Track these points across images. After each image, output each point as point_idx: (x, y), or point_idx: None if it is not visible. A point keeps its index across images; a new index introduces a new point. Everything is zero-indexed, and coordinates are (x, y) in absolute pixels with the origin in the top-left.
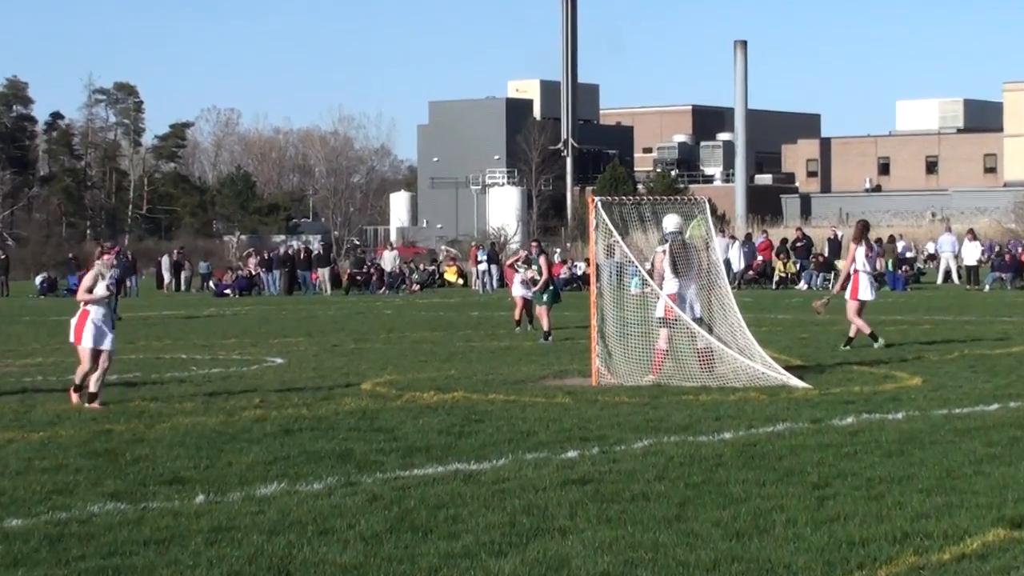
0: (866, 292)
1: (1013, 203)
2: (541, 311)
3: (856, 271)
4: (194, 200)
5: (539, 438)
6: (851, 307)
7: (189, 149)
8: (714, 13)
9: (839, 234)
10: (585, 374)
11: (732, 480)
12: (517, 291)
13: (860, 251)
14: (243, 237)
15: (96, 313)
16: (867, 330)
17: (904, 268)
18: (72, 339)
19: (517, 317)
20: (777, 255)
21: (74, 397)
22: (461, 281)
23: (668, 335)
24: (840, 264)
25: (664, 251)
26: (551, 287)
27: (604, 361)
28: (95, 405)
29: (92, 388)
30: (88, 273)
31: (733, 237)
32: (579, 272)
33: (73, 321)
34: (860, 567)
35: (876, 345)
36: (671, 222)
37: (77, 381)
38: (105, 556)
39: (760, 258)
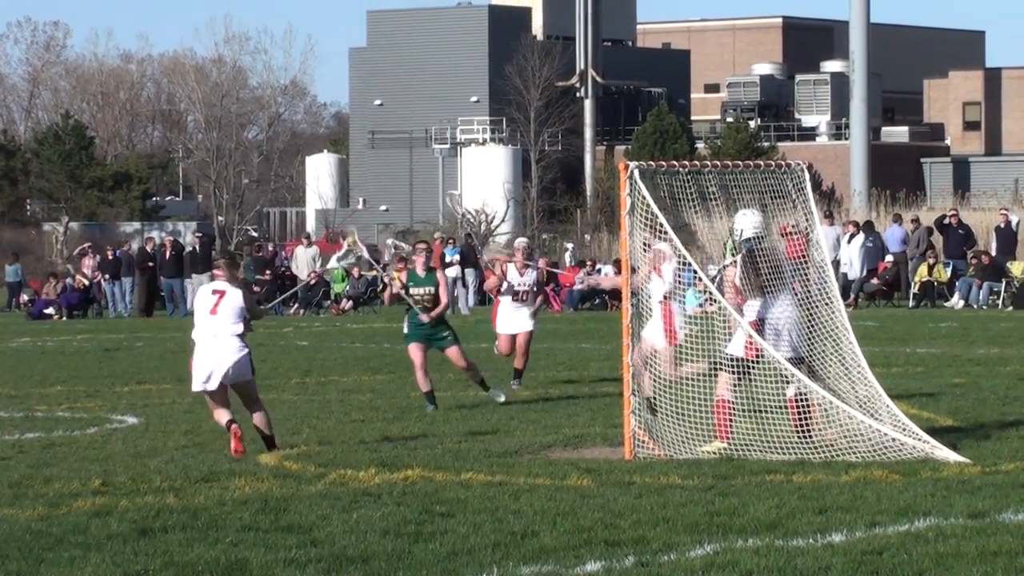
0: None
1: None
2: (454, 354)
3: None
4: None
5: (541, 542)
6: None
7: None
8: None
9: (1015, 220)
10: (613, 442)
11: None
12: (508, 323)
13: None
14: (74, 226)
15: None
16: None
17: None
18: None
19: (519, 365)
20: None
21: None
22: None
23: (733, 381)
24: (1018, 268)
25: (734, 263)
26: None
27: (643, 421)
28: None
29: None
30: None
31: (856, 226)
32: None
33: None
34: None
35: None
36: (748, 223)
37: None
38: None
39: (890, 258)
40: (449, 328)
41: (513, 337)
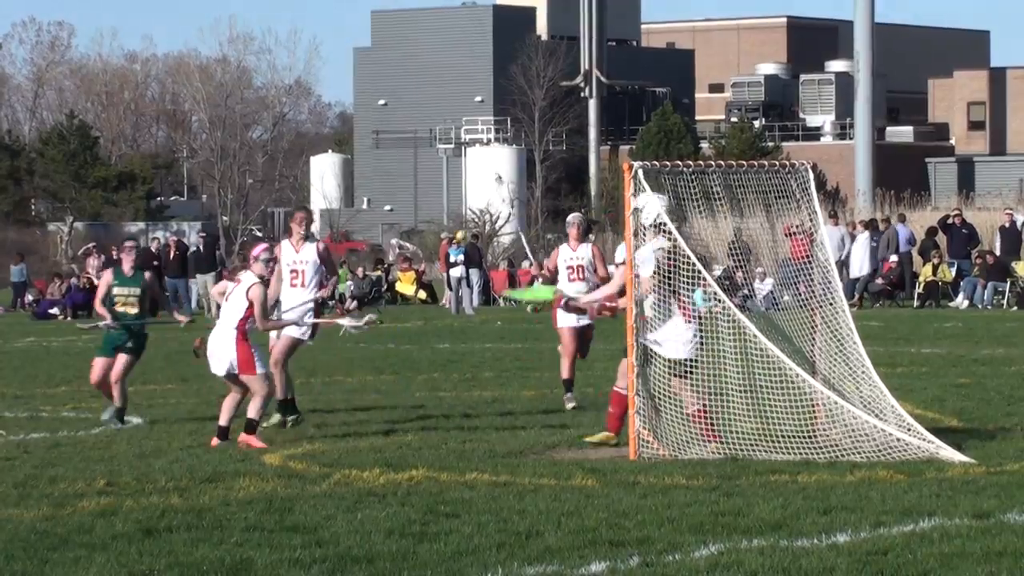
0: None
1: None
2: (121, 364)
3: None
4: (1, 167)
5: (546, 542)
6: None
7: None
8: None
9: (1019, 220)
10: (618, 442)
11: None
12: (568, 319)
13: None
14: (79, 226)
15: None
16: None
17: None
18: None
19: (567, 374)
20: (921, 253)
21: None
22: (423, 295)
23: (688, 384)
24: (1023, 268)
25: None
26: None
27: (647, 422)
28: None
29: None
30: None
31: (860, 226)
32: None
33: None
34: None
35: None
36: (657, 204)
37: None
38: None
39: (894, 258)
40: (142, 339)
41: (578, 331)
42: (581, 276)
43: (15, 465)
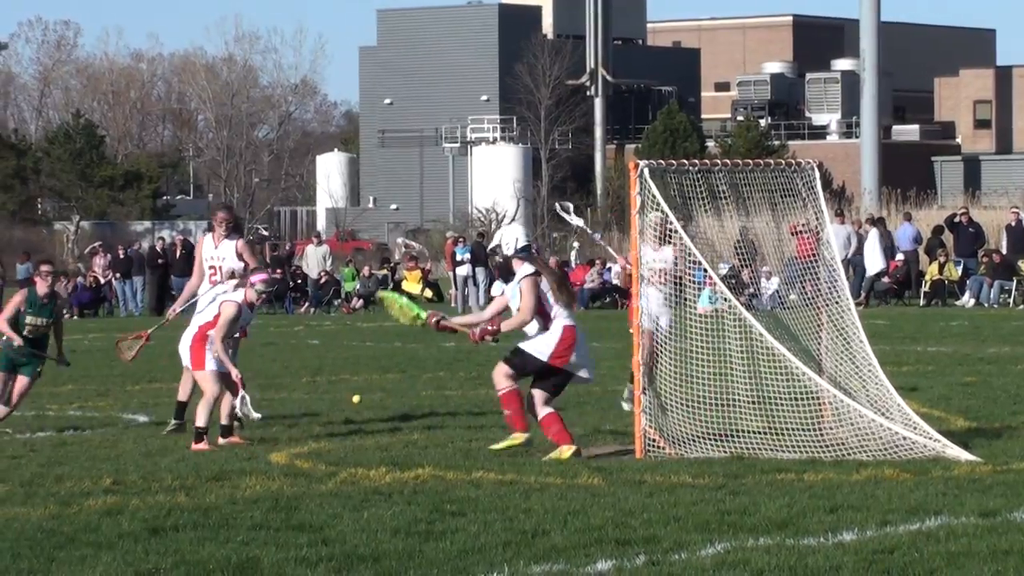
0: None
1: None
2: (20, 385)
3: None
4: (7, 166)
5: (552, 540)
6: None
7: None
8: None
9: None
10: (624, 440)
11: None
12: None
13: None
14: (85, 225)
15: None
16: None
17: None
18: None
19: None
20: (927, 251)
21: None
22: (429, 293)
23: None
24: None
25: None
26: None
27: (654, 420)
28: None
29: None
30: None
31: (868, 223)
32: (614, 280)
33: None
34: None
35: None
36: (515, 233)
37: None
38: None
39: (901, 256)
40: (41, 362)
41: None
42: (665, 283)
43: (21, 464)
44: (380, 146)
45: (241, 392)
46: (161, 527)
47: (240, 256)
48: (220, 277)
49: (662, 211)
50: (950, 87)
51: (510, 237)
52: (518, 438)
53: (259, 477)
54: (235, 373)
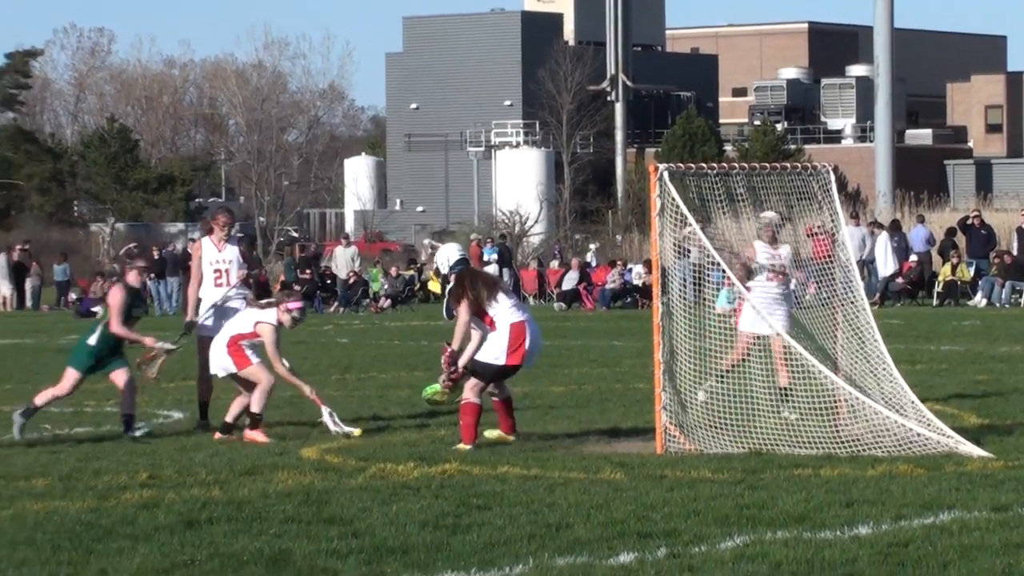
0: None
1: None
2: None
3: None
4: (44, 169)
5: (576, 534)
6: None
7: (36, 91)
8: None
9: None
10: (646, 436)
11: None
12: (756, 319)
13: None
14: (120, 226)
15: None
16: None
17: None
18: None
19: (783, 382)
20: (940, 253)
21: None
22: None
23: (482, 387)
24: None
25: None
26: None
27: (674, 417)
28: None
29: None
30: None
31: (880, 227)
32: (636, 280)
33: None
34: None
35: None
36: (449, 252)
37: None
38: None
39: (914, 258)
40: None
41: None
42: (783, 281)
43: (60, 458)
44: (406, 150)
45: (325, 409)
46: (196, 520)
47: (244, 259)
48: (226, 280)
49: (681, 213)
50: (962, 92)
51: (443, 257)
52: (466, 446)
53: (291, 472)
54: (308, 390)
